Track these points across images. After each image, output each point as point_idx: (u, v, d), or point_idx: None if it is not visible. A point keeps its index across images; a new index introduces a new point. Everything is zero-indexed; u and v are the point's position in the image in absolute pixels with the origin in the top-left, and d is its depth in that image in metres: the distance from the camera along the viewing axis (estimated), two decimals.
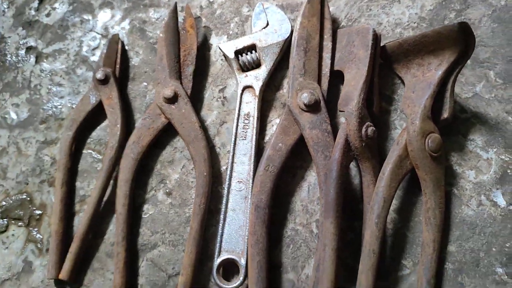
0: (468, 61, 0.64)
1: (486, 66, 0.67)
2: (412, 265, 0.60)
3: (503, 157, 0.62)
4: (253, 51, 0.71)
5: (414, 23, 0.70)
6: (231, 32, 0.75)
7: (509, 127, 0.63)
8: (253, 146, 0.67)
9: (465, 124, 0.65)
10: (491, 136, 0.63)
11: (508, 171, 0.62)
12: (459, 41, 0.58)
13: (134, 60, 0.77)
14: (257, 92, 0.69)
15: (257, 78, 0.70)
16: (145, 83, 0.75)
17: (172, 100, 0.68)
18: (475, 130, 0.64)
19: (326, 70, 0.67)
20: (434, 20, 0.70)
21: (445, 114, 0.61)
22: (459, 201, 0.62)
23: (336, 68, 0.68)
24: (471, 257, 0.59)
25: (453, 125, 0.64)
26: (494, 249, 0.59)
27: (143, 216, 0.68)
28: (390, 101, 0.68)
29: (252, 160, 0.66)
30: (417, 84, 0.62)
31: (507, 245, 0.59)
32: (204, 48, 0.75)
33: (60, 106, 0.76)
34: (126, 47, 0.78)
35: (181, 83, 0.70)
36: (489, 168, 0.62)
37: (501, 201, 0.61)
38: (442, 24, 0.69)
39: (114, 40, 0.76)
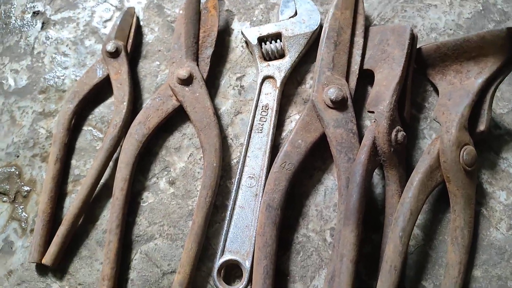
0: None
1: None
2: (432, 287, 0.55)
3: None
4: (278, 40, 0.66)
5: (451, 29, 0.66)
6: (254, 19, 0.71)
7: None
8: (269, 141, 0.62)
9: (498, 141, 0.60)
10: None
11: None
12: (504, 48, 0.54)
13: (148, 37, 0.71)
14: (278, 84, 0.64)
15: (279, 68, 0.65)
16: (157, 62, 0.70)
17: (187, 81, 0.63)
18: (509, 148, 0.60)
19: (355, 67, 0.63)
20: (472, 29, 0.66)
21: (482, 127, 0.56)
22: (488, 222, 0.57)
23: (366, 67, 0.63)
24: (498, 285, 0.54)
25: (486, 141, 0.60)
26: None
27: (141, 204, 0.62)
28: (420, 108, 0.63)
29: (267, 155, 0.61)
30: (453, 92, 0.58)
31: None
32: (224, 32, 0.70)
33: (62, 77, 0.70)
34: (141, 23, 0.72)
35: (197, 65, 0.65)
36: None
37: None
38: None
39: (129, 13, 0.71)
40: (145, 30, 0.72)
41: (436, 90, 0.62)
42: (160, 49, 0.70)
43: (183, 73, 0.63)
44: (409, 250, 0.56)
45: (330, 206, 0.60)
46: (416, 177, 0.54)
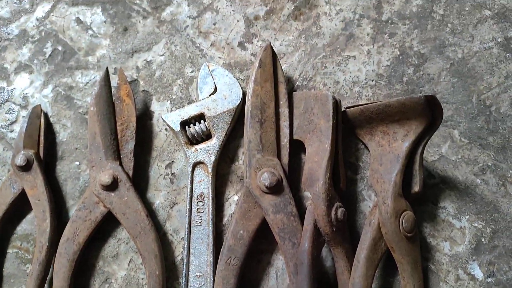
0: None
1: (450, 125, 0.63)
2: None
3: (476, 224, 0.59)
4: (202, 121, 0.63)
5: (372, 80, 0.66)
6: (174, 97, 0.67)
7: (478, 191, 0.61)
8: (211, 233, 0.59)
9: (434, 191, 0.61)
10: (462, 202, 0.60)
11: (482, 239, 0.59)
12: (426, 113, 0.54)
13: (62, 135, 0.66)
14: (210, 169, 0.61)
15: (208, 152, 0.62)
16: (76, 163, 0.64)
17: (111, 187, 0.59)
18: (445, 197, 0.61)
19: (285, 140, 0.61)
20: (392, 77, 0.66)
21: (416, 188, 0.57)
22: (437, 277, 0.58)
23: (295, 137, 0.61)
24: None
25: (422, 193, 0.60)
26: None
27: None
28: (355, 169, 0.63)
29: (211, 249, 0.58)
30: (383, 156, 0.58)
31: None
32: (144, 116, 0.66)
33: None
34: (51, 120, 0.66)
35: (120, 164, 0.61)
36: (463, 238, 0.59)
37: (479, 274, 0.57)
38: (401, 81, 0.65)
39: (35, 114, 0.64)
40: (57, 127, 0.66)
41: (367, 148, 0.62)
42: (77, 147, 0.65)
43: (105, 179, 0.58)
44: None
45: None
46: (362, 253, 0.54)
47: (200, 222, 0.60)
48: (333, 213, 0.54)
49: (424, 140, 0.56)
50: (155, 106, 0.67)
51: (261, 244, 0.60)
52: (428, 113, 0.54)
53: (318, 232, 0.54)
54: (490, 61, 0.65)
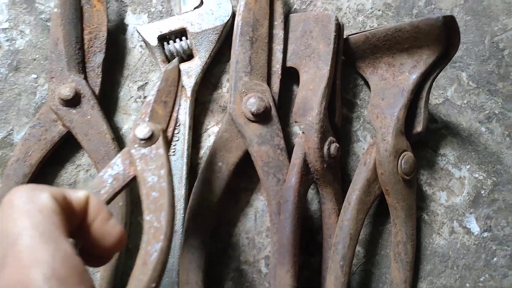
0: None
1: (458, 66, 0.57)
2: None
3: (476, 175, 0.54)
4: (183, 38, 0.54)
5: (379, 10, 0.59)
6: (153, 10, 0.58)
7: (482, 140, 0.55)
8: (185, 164, 0.52)
9: (435, 136, 0.56)
10: (463, 150, 0.55)
11: (482, 191, 0.54)
12: (441, 39, 0.47)
13: (18, 43, 0.56)
14: (189, 93, 0.53)
15: (188, 74, 0.54)
16: (33, 75, 0.55)
17: (73, 102, 0.50)
18: (446, 143, 0.55)
19: (277, 66, 0.53)
20: (402, 8, 0.59)
21: (419, 128, 0.51)
22: (430, 229, 0.53)
23: (289, 64, 0.54)
24: None
25: (422, 138, 0.55)
26: (467, 285, 0.51)
27: None
28: (352, 106, 0.56)
29: (184, 183, 0.51)
30: (386, 89, 0.51)
31: (481, 279, 0.51)
32: (117, 30, 0.57)
33: None
34: (7, 25, 0.57)
35: (85, 78, 0.52)
36: (462, 188, 0.54)
37: (475, 228, 0.53)
38: (410, 14, 0.58)
39: None
40: (13, 33, 0.56)
41: (368, 84, 0.55)
42: (36, 58, 0.56)
43: (66, 92, 0.50)
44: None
45: (262, 232, 0.53)
46: (353, 195, 0.48)
47: (173, 151, 0.52)
48: (325, 147, 0.48)
49: (434, 74, 0.50)
50: (129, 19, 0.58)
51: (241, 182, 0.54)
52: (443, 39, 0.47)
53: (307, 168, 0.48)
54: (508, 0, 0.59)
